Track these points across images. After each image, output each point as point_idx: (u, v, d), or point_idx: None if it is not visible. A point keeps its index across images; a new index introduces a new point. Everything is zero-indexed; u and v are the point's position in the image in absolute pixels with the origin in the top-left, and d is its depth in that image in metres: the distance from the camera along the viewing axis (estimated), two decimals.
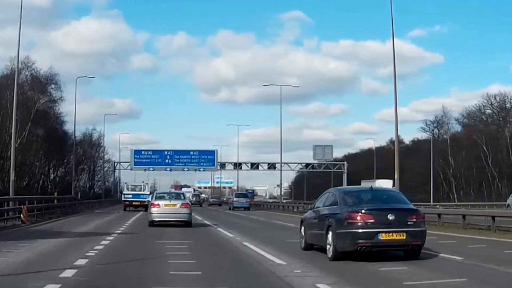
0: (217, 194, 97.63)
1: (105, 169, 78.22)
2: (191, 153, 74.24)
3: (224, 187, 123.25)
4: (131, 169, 76.58)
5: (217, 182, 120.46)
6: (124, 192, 46.86)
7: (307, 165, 77.41)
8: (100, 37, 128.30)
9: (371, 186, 12.93)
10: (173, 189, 56.65)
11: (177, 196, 23.81)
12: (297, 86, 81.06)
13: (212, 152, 74.11)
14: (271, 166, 74.26)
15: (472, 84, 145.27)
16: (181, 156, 73.57)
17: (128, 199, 44.21)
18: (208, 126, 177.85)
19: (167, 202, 22.36)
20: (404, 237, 10.80)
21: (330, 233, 11.21)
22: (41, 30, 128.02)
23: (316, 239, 12.29)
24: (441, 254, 12.15)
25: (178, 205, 22.27)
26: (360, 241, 10.69)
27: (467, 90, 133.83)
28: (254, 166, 75.57)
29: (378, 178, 63.28)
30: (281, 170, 61.99)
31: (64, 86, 53.00)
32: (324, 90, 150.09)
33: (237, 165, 75.73)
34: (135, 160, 74.14)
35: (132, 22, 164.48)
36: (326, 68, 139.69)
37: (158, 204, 22.10)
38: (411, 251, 11.18)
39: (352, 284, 8.59)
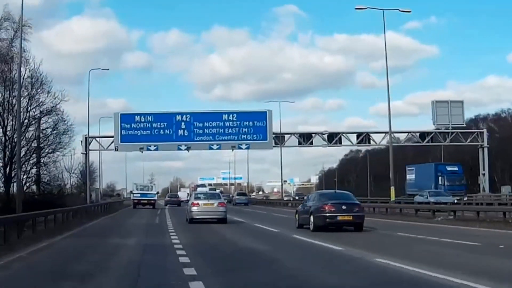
0: (225, 192, 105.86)
1: (55, 132, 34.81)
2: (225, 117, 44.05)
3: (233, 184, 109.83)
4: (116, 150, 45.46)
5: (223, 178, 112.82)
6: (133, 192, 54.59)
7: (421, 135, 50.47)
8: (93, 36, 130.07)
9: (335, 190, 21.97)
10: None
11: (214, 196, 26.39)
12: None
13: (262, 115, 44.15)
14: (364, 138, 50.42)
15: (468, 77, 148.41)
16: (205, 124, 43.98)
17: (137, 198, 52.02)
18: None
19: (206, 201, 24.96)
20: (351, 218, 19.75)
21: (312, 216, 20.16)
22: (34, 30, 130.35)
23: (304, 221, 21.25)
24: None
25: (215, 204, 24.82)
26: (327, 220, 19.61)
27: (463, 83, 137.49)
28: (336, 138, 50.31)
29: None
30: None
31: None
32: (320, 85, 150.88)
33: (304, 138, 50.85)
34: (123, 132, 43.57)
35: (125, 20, 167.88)
36: (321, 62, 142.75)
37: (198, 204, 24.70)
38: (356, 226, 20.10)
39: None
